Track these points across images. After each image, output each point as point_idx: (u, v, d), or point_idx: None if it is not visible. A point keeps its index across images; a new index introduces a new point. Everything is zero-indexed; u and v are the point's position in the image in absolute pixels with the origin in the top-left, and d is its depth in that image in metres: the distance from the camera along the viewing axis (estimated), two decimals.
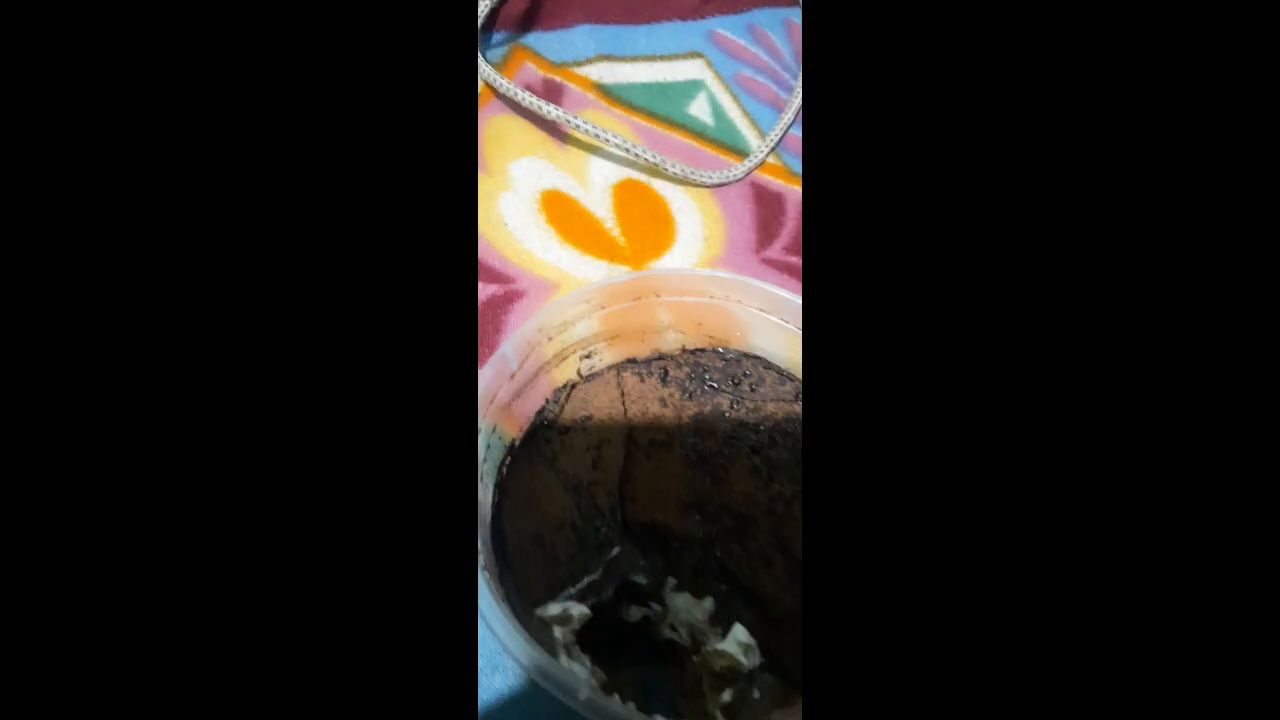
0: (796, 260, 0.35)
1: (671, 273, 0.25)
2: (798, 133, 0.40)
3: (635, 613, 0.22)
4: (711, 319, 0.25)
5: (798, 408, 0.24)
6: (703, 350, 0.25)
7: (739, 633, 0.20)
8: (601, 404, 0.24)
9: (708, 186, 0.37)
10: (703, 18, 0.45)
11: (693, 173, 0.36)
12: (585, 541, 0.22)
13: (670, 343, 0.25)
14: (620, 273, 0.34)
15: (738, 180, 0.37)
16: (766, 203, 0.37)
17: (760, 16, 0.45)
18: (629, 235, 0.35)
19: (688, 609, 0.22)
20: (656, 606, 0.22)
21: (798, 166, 0.38)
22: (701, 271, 0.26)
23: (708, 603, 0.22)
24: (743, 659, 0.19)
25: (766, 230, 0.36)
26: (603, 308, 0.24)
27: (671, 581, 0.22)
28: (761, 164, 0.38)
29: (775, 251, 0.35)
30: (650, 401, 0.24)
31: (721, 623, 0.21)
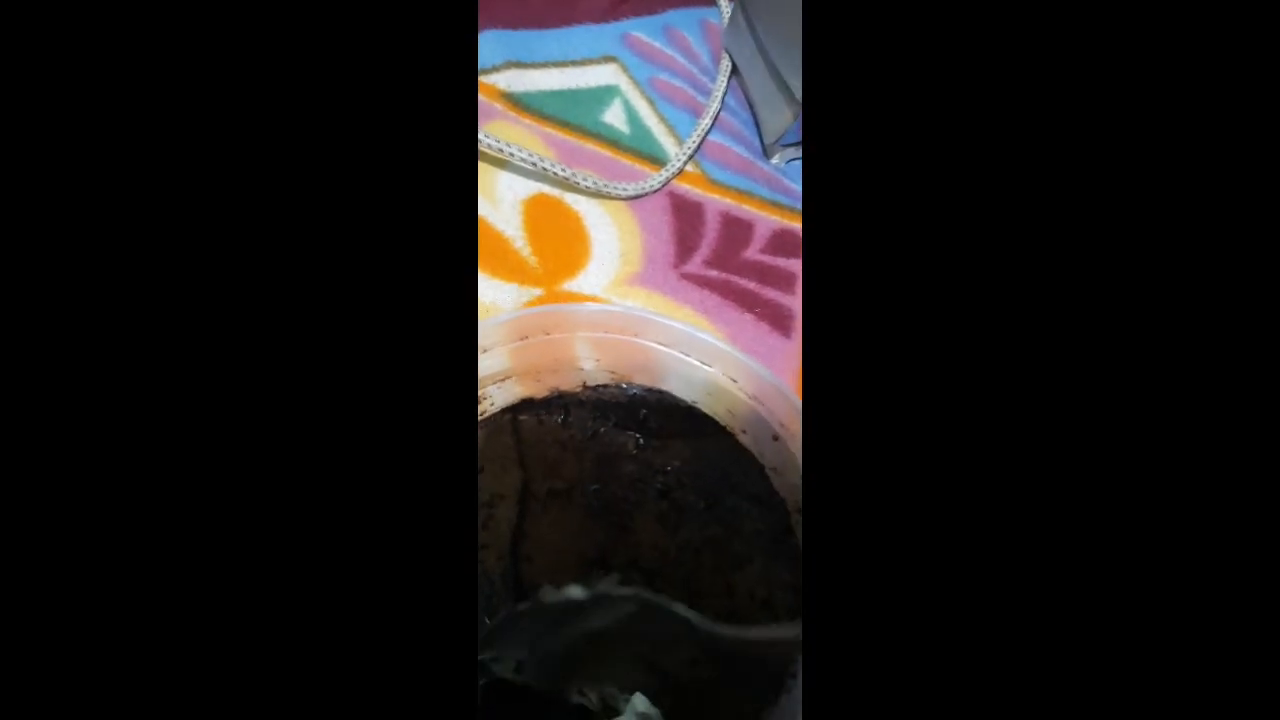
0: (716, 274, 0.33)
1: (563, 309, 0.23)
2: (716, 138, 0.38)
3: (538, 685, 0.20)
4: (614, 353, 0.23)
5: (707, 444, 0.22)
6: (605, 386, 0.24)
7: (639, 703, 0.18)
8: (494, 453, 0.22)
9: (623, 199, 0.35)
10: (616, 20, 0.43)
11: (607, 185, 0.35)
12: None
13: (571, 380, 0.23)
14: (528, 295, 0.32)
15: (655, 191, 0.36)
16: (685, 214, 0.35)
17: (676, 17, 0.43)
18: (540, 255, 0.33)
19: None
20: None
21: (717, 174, 0.37)
22: (600, 306, 0.24)
23: (617, 670, 0.20)
24: None
25: (685, 243, 0.34)
26: (496, 345, 0.22)
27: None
28: (680, 172, 0.36)
29: (695, 266, 0.34)
30: (549, 446, 0.22)
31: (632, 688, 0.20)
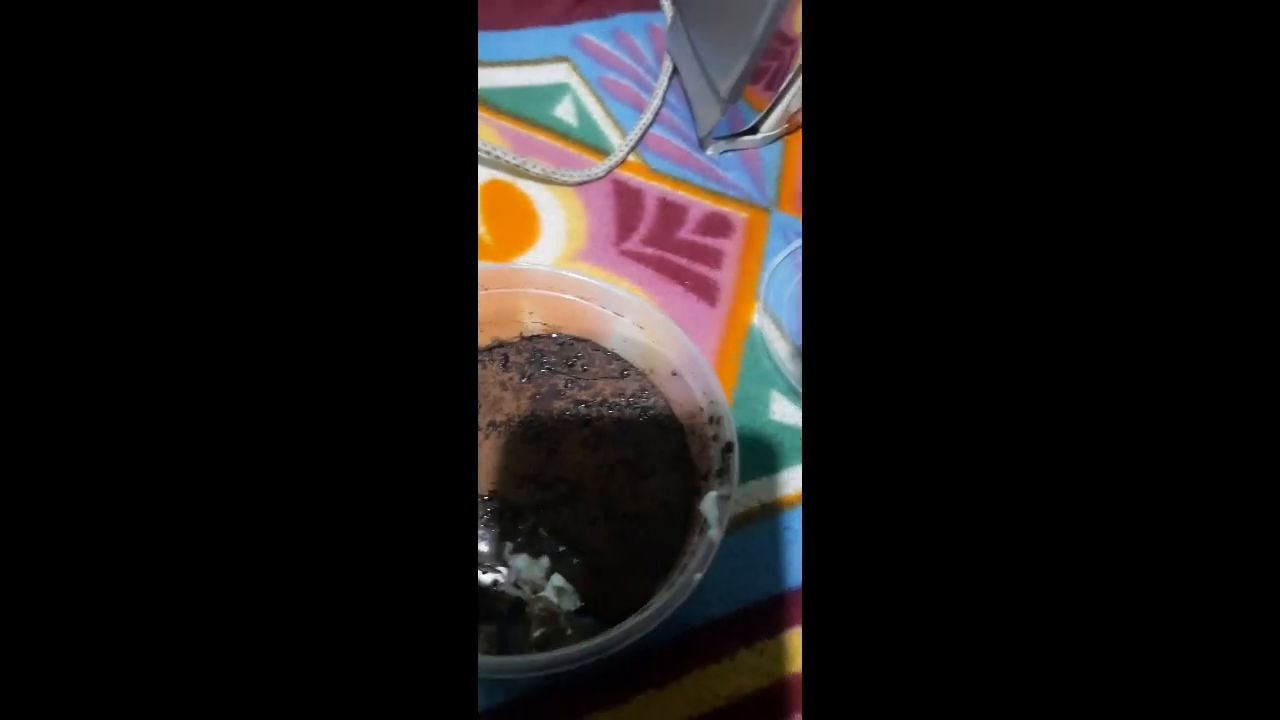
0: (652, 251, 0.38)
1: (500, 268, 0.27)
2: (657, 131, 0.43)
3: (482, 577, 0.25)
4: (545, 308, 0.27)
5: (624, 384, 0.27)
6: (539, 336, 0.28)
7: (556, 580, 0.23)
8: None
9: (570, 185, 0.39)
10: (570, 23, 0.47)
11: (555, 172, 0.39)
12: None
13: (509, 331, 0.28)
14: (486, 270, 0.36)
15: (599, 178, 0.40)
16: (626, 198, 0.40)
17: (624, 21, 0.47)
18: (494, 233, 0.37)
19: (527, 568, 0.24)
20: (501, 569, 0.25)
21: (657, 163, 0.41)
22: (541, 268, 0.28)
23: (544, 560, 0.24)
24: (556, 601, 0.22)
25: (626, 225, 0.39)
26: None
27: (509, 545, 0.25)
28: (623, 162, 0.41)
29: (634, 244, 0.38)
30: (490, 386, 0.27)
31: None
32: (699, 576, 0.20)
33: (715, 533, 0.21)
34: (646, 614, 0.19)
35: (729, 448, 0.23)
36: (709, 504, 0.22)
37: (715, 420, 0.24)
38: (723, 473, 0.23)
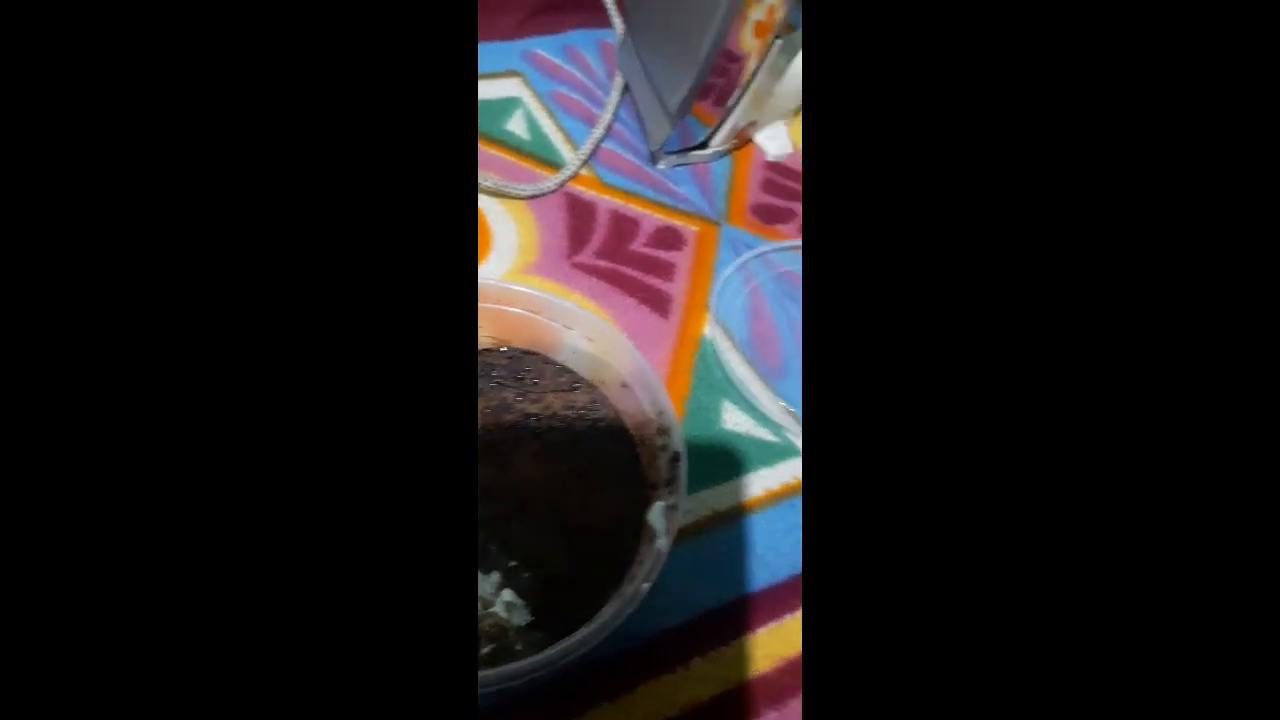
0: (605, 264, 0.38)
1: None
2: (609, 146, 0.43)
3: None
4: (493, 322, 0.27)
5: (574, 396, 0.27)
6: (488, 350, 0.28)
7: (506, 595, 0.22)
8: None
9: (522, 198, 0.40)
10: (522, 38, 0.47)
11: (507, 185, 0.39)
12: None
13: None
14: None
15: (551, 192, 0.40)
16: (579, 211, 0.40)
17: (576, 37, 0.48)
18: None
19: (477, 584, 0.24)
20: None
21: (609, 177, 0.42)
22: (490, 282, 0.28)
23: (494, 576, 0.24)
24: (506, 616, 0.22)
25: (578, 238, 0.39)
26: None
27: None
28: (574, 175, 0.41)
29: (586, 257, 0.38)
30: None
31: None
32: (646, 586, 0.20)
33: (663, 542, 0.21)
34: (593, 627, 0.19)
35: (676, 458, 0.23)
36: (656, 514, 0.22)
37: (664, 431, 0.24)
38: (670, 482, 0.23)
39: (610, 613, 0.19)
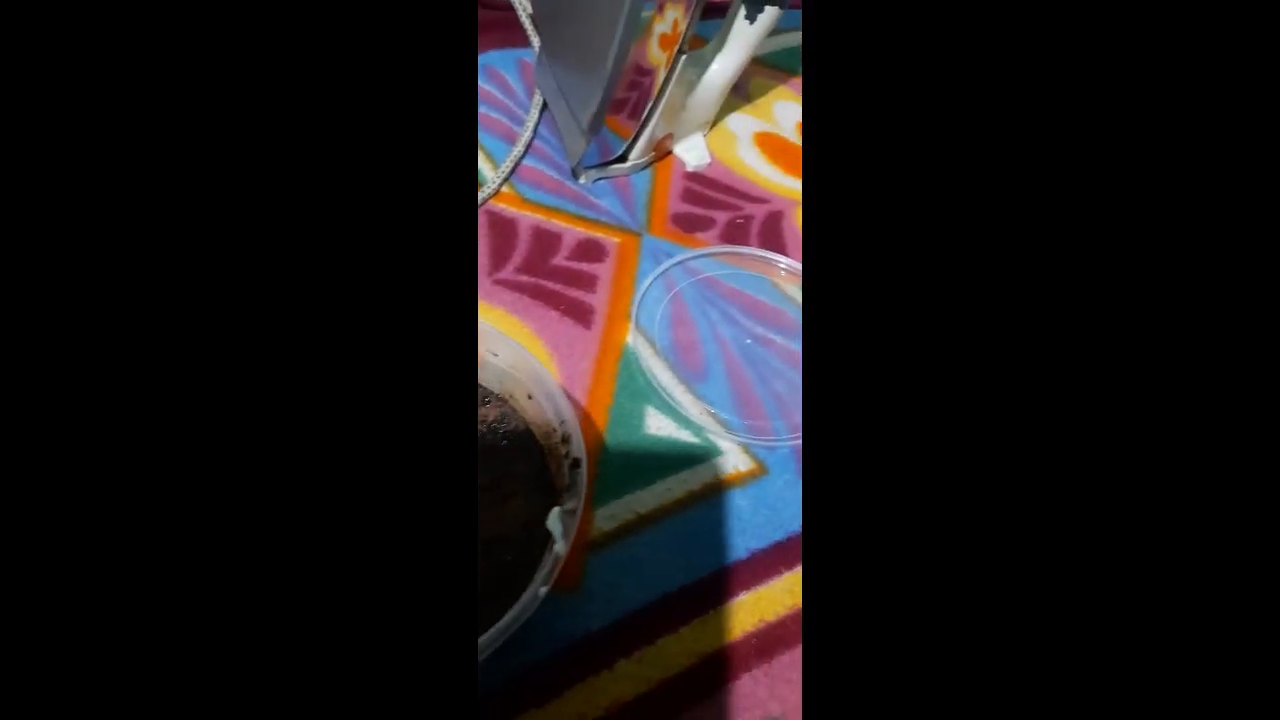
0: (527, 279, 0.38)
1: None
2: (530, 163, 0.44)
3: None
4: None
5: (485, 410, 0.27)
6: None
7: None
8: None
9: None
10: None
11: None
12: None
13: None
14: None
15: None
16: (500, 229, 0.40)
17: (494, 57, 0.49)
18: None
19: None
20: None
21: (530, 194, 0.42)
22: None
23: None
24: None
25: (499, 255, 0.39)
26: None
27: None
28: (496, 194, 0.42)
29: (507, 273, 0.39)
30: None
31: None
32: (544, 590, 0.21)
33: (561, 546, 0.22)
34: (490, 633, 0.19)
35: (576, 464, 0.24)
36: (553, 519, 0.23)
37: (566, 439, 0.25)
38: (571, 487, 0.23)
39: (509, 617, 0.20)
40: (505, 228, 0.41)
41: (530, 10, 0.49)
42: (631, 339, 0.37)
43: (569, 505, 0.23)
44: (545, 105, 0.45)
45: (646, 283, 0.39)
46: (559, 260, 0.40)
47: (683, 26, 0.37)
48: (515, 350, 0.26)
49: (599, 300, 0.38)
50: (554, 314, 0.37)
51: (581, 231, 0.41)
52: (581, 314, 0.38)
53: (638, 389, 0.35)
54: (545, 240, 0.41)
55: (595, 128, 0.39)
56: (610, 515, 0.30)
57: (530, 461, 0.26)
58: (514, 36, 0.49)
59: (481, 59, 0.49)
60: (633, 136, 0.42)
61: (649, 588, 0.29)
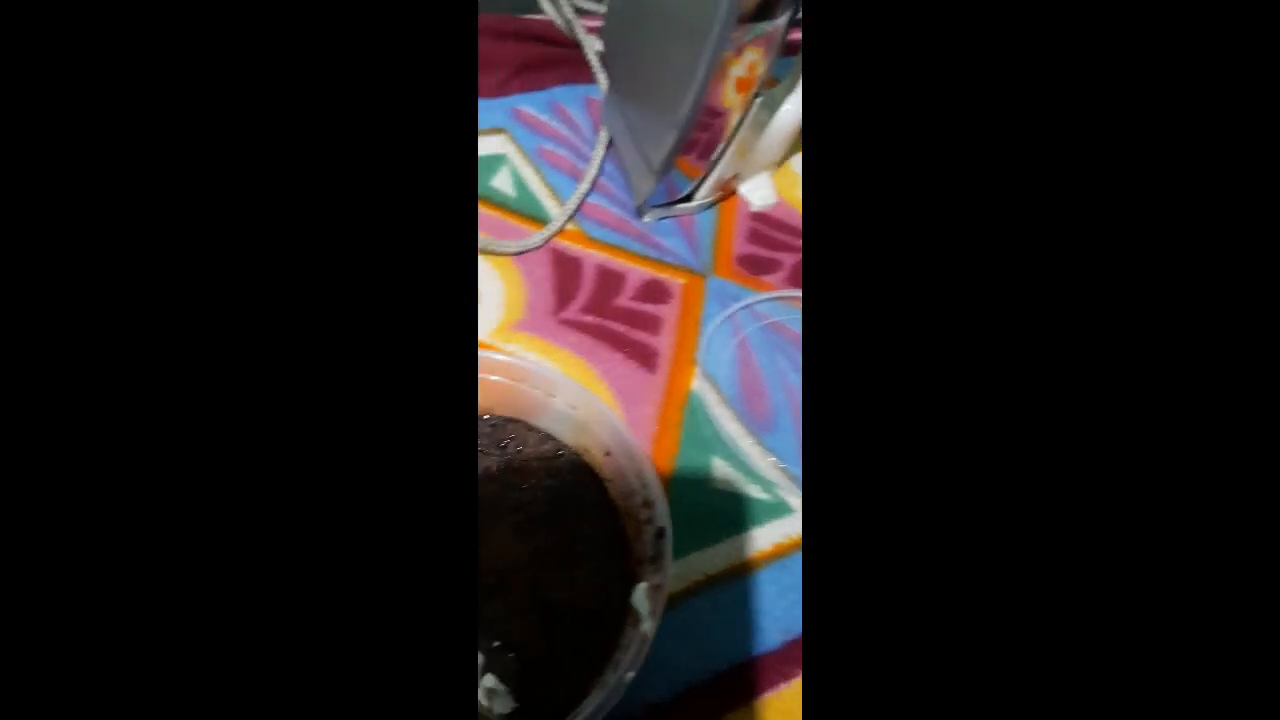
0: (591, 319, 0.38)
1: None
2: (594, 200, 0.43)
3: None
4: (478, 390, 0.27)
5: (557, 464, 0.26)
6: None
7: (488, 680, 0.22)
8: None
9: (508, 255, 0.40)
10: (507, 95, 0.48)
11: (494, 243, 0.39)
12: None
13: None
14: None
15: (537, 248, 0.40)
16: (564, 267, 0.40)
17: (560, 93, 0.49)
18: None
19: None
20: None
21: (595, 231, 0.42)
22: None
23: (478, 658, 0.23)
24: (488, 704, 0.21)
25: (564, 293, 0.39)
26: None
27: None
28: (560, 230, 0.41)
29: (572, 313, 0.38)
30: None
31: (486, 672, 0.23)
32: (631, 675, 0.20)
33: (648, 625, 0.21)
34: (571, 718, 0.18)
35: (661, 533, 0.23)
36: (639, 596, 0.22)
37: (648, 504, 0.24)
38: (655, 559, 0.22)
39: (592, 706, 0.19)
40: (570, 266, 0.40)
41: (598, 48, 0.49)
42: (697, 385, 0.36)
43: (655, 580, 0.22)
44: (611, 142, 0.45)
45: (712, 326, 0.38)
46: (623, 301, 0.39)
47: (760, 70, 0.36)
48: (596, 406, 0.25)
49: (664, 343, 0.37)
50: (618, 357, 0.36)
51: (646, 271, 0.41)
52: (646, 357, 0.37)
53: (703, 439, 0.34)
54: (610, 280, 0.40)
55: (666, 169, 0.39)
56: (676, 576, 0.28)
57: (604, 524, 0.25)
58: (580, 73, 0.49)
59: (547, 94, 0.49)
60: (701, 177, 0.42)
61: (717, 657, 0.27)
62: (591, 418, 0.26)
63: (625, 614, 0.23)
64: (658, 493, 0.23)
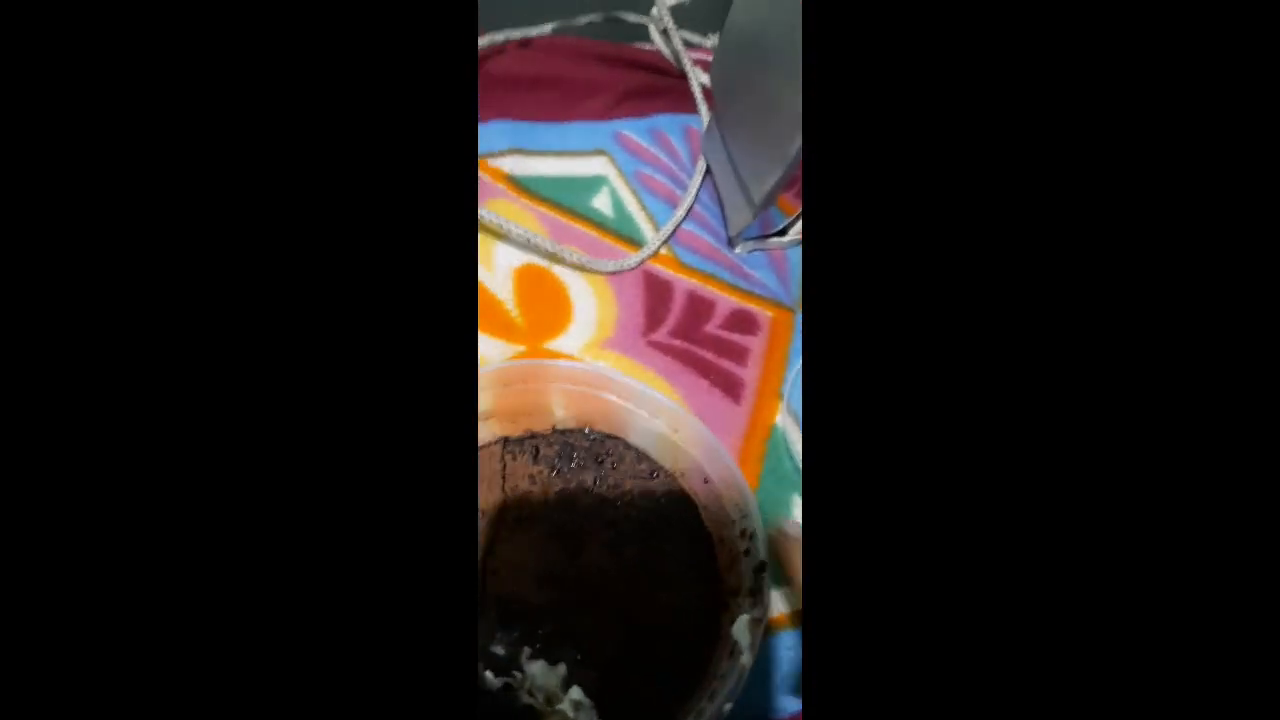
0: (679, 344, 0.38)
1: (540, 364, 0.28)
2: (689, 228, 0.44)
3: (495, 681, 0.24)
4: (580, 404, 0.28)
5: (653, 485, 0.26)
6: (571, 430, 0.28)
7: (575, 693, 0.22)
8: (483, 475, 0.26)
9: (604, 274, 0.41)
10: (610, 119, 0.49)
11: (590, 261, 0.40)
12: None
13: (543, 424, 0.28)
14: (513, 350, 0.36)
15: (631, 269, 0.41)
16: (656, 290, 0.41)
17: (662, 121, 0.50)
18: (526, 316, 0.38)
19: (542, 675, 0.24)
20: (516, 674, 0.24)
21: (687, 258, 0.43)
22: (571, 363, 0.28)
23: (561, 668, 0.24)
24: (573, 716, 0.21)
25: (654, 315, 0.39)
26: (481, 390, 0.26)
27: (527, 650, 0.24)
28: (655, 254, 0.42)
29: (661, 335, 0.39)
30: (520, 478, 0.26)
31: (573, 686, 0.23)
32: (729, 707, 0.19)
33: (747, 658, 0.21)
34: None
35: (762, 567, 0.23)
36: (741, 628, 0.22)
37: (747, 535, 0.24)
38: (755, 593, 0.22)
39: None
40: (661, 289, 0.41)
41: (704, 81, 0.50)
42: (781, 419, 0.36)
43: (755, 614, 0.22)
44: (708, 172, 0.46)
45: (799, 362, 0.38)
46: (712, 328, 0.39)
47: None
48: (699, 431, 0.26)
49: (749, 375, 0.38)
50: (704, 384, 0.37)
51: (735, 301, 0.41)
52: (731, 387, 0.37)
53: (784, 474, 0.34)
54: (699, 306, 0.40)
55: (767, 204, 0.39)
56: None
57: (697, 549, 0.25)
58: (682, 104, 0.50)
59: (648, 121, 0.50)
60: (797, 214, 0.42)
61: (790, 696, 0.27)
62: (693, 443, 0.26)
63: (718, 643, 0.23)
64: (759, 525, 0.23)
